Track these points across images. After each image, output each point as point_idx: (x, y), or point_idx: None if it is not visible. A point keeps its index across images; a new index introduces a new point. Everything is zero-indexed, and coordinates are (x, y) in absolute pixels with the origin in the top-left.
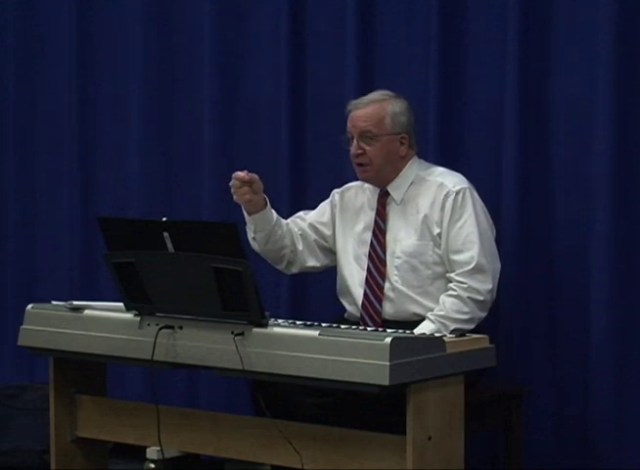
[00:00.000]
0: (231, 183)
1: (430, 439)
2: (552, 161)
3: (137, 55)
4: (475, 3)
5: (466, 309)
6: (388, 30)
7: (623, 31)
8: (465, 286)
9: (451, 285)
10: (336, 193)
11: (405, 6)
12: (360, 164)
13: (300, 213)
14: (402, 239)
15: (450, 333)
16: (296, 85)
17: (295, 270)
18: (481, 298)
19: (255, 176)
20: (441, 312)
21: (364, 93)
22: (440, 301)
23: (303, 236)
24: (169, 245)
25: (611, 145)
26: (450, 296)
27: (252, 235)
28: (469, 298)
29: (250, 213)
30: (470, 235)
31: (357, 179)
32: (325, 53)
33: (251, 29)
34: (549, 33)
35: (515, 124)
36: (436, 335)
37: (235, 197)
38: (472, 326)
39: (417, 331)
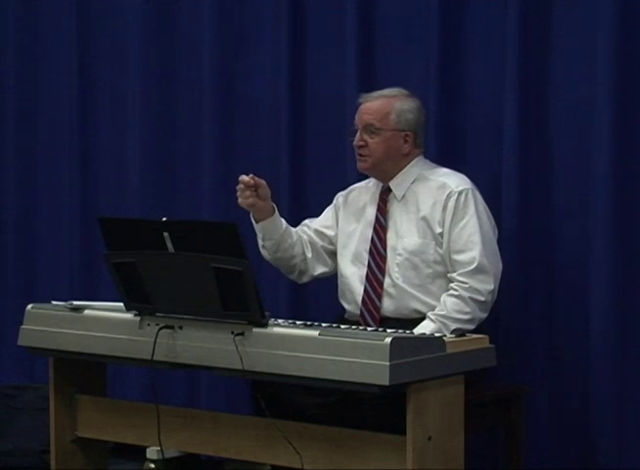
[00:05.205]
0: (237, 186)
1: (430, 439)
2: (552, 161)
3: (137, 55)
4: (475, 3)
5: (467, 310)
6: (389, 30)
7: (623, 31)
8: (466, 286)
9: (452, 285)
10: (340, 196)
11: (405, 6)
12: (360, 155)
13: (306, 222)
14: (404, 236)
15: (451, 333)
16: (296, 85)
17: (306, 279)
18: (483, 298)
19: (262, 182)
20: (442, 312)
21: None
22: (442, 300)
23: (312, 243)
24: (169, 245)
25: (611, 145)
26: (451, 296)
27: (262, 243)
28: (470, 298)
29: (257, 221)
30: (472, 236)
31: (357, 180)
32: (325, 53)
33: (250, 29)
34: (549, 33)
35: (515, 125)
36: (437, 335)
37: (239, 200)
38: (472, 326)
39: (417, 330)
